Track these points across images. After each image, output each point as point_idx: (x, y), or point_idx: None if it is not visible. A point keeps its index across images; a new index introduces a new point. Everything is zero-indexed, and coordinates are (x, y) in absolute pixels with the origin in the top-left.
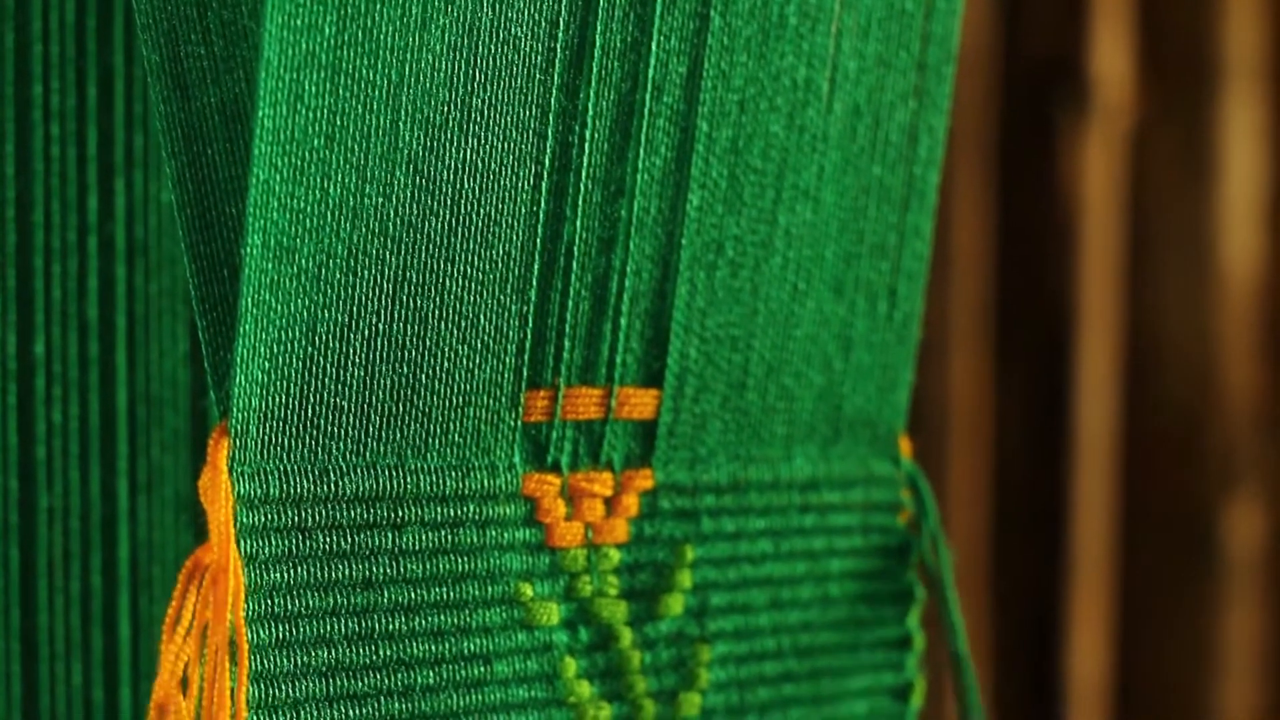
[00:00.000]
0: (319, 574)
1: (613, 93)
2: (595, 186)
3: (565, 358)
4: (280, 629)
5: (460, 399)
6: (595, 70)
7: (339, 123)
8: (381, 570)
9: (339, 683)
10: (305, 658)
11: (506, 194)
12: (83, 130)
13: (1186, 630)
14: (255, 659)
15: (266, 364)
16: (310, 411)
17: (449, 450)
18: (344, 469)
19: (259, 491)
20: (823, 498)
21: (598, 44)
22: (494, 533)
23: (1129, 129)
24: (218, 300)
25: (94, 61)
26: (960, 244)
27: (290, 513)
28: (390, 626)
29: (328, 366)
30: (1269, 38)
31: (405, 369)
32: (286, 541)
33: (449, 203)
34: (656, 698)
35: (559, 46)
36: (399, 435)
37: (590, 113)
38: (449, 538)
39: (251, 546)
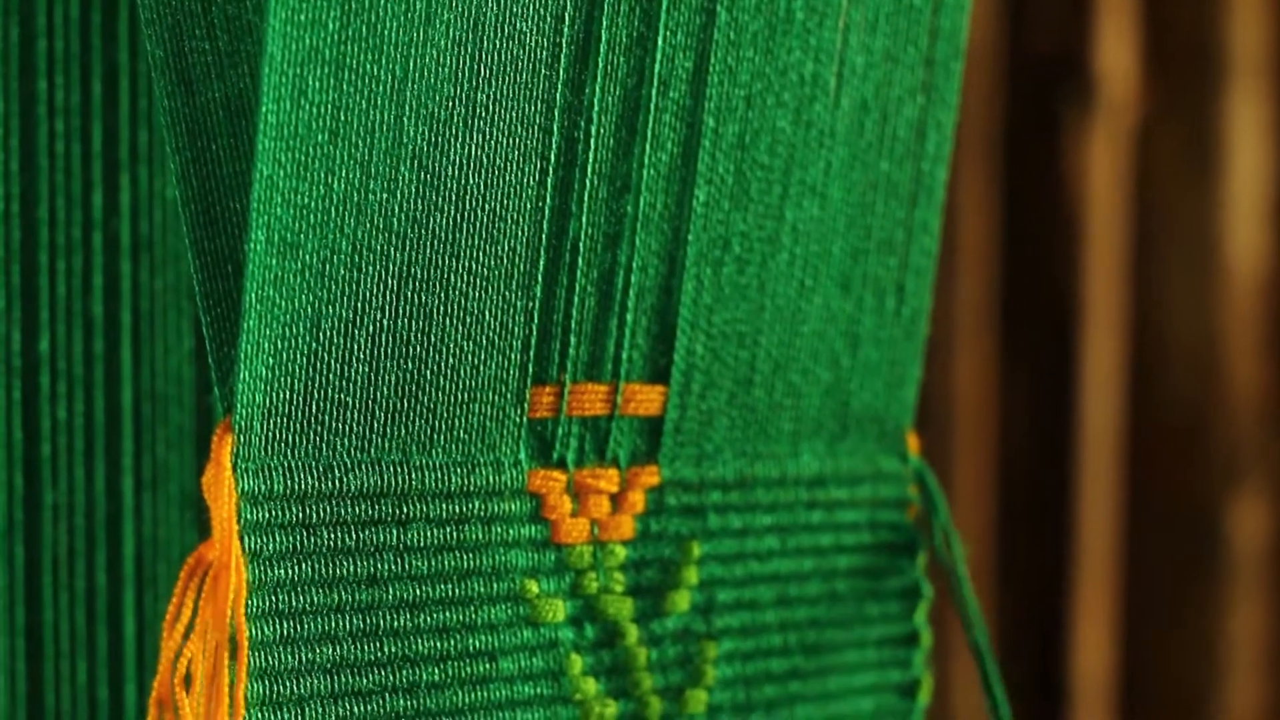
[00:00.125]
0: (323, 570)
1: (618, 88)
2: (601, 182)
3: (571, 354)
4: (284, 625)
5: (465, 395)
6: (601, 65)
7: (343, 118)
8: (386, 567)
9: (343, 679)
10: (309, 654)
11: (512, 189)
12: (87, 126)
13: (1191, 625)
14: (259, 656)
15: (270, 360)
16: (314, 407)
17: (454, 446)
18: (348, 465)
19: (263, 488)
20: (830, 494)
21: (603, 39)
22: (499, 529)
23: (1134, 125)
24: (222, 296)
25: (98, 57)
26: (965, 240)
27: (294, 509)
28: (395, 623)
29: (332, 362)
30: (1274, 34)
31: (410, 365)
32: (291, 538)
33: (454, 198)
34: (662, 695)
35: (564, 41)
36: (404, 431)
37: (596, 108)
38: (454, 534)
39: (256, 543)
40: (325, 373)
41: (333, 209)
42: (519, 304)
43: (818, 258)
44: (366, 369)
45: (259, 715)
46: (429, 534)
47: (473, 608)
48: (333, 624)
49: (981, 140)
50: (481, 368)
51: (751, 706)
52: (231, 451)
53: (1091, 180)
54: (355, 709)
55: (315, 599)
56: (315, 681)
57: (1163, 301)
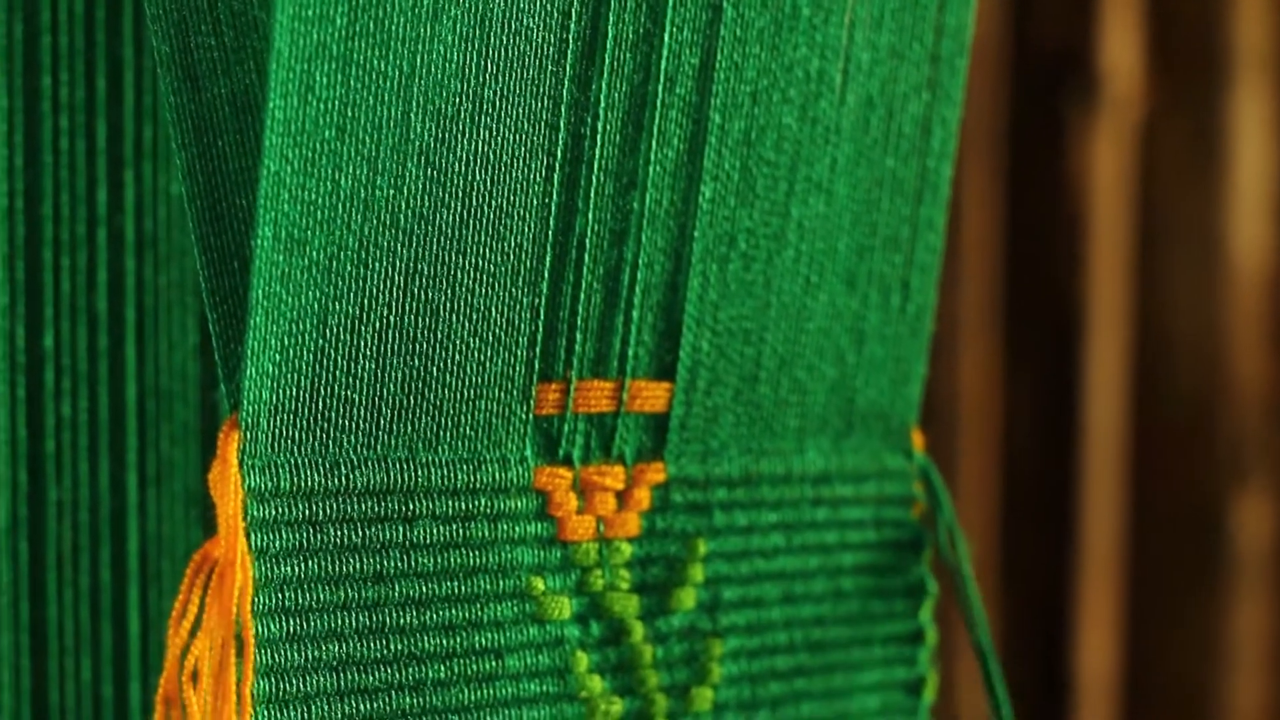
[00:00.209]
0: (329, 568)
1: (625, 84)
2: (607, 178)
3: (577, 350)
4: (290, 623)
5: (471, 392)
6: (607, 61)
7: (350, 114)
8: (392, 564)
9: (349, 677)
10: (315, 652)
11: (518, 186)
12: (92, 122)
13: (1196, 623)
14: (265, 653)
15: (277, 356)
16: (321, 404)
17: (460, 443)
18: (355, 462)
19: (269, 485)
20: (835, 491)
21: (610, 35)
22: (505, 526)
23: (1138, 122)
24: (228, 293)
25: (103, 53)
26: (969, 237)
27: (301, 506)
28: (401, 620)
29: (339, 359)
30: (1278, 30)
31: (416, 362)
32: (297, 535)
33: (460, 195)
34: (668, 692)
35: (571, 38)
36: (410, 428)
37: (602, 104)
38: (460, 531)
39: (261, 540)
40: (332, 369)
41: (340, 205)
42: (525, 300)
43: (823, 254)
44: (373, 366)
45: (265, 713)
46: (435, 531)
47: (479, 605)
48: (339, 621)
49: (985, 137)
50: (487, 364)
51: (757, 704)
52: (238, 448)
53: (1095, 177)
54: (361, 706)
55: (321, 596)
56: (321, 679)
57: (1167, 298)
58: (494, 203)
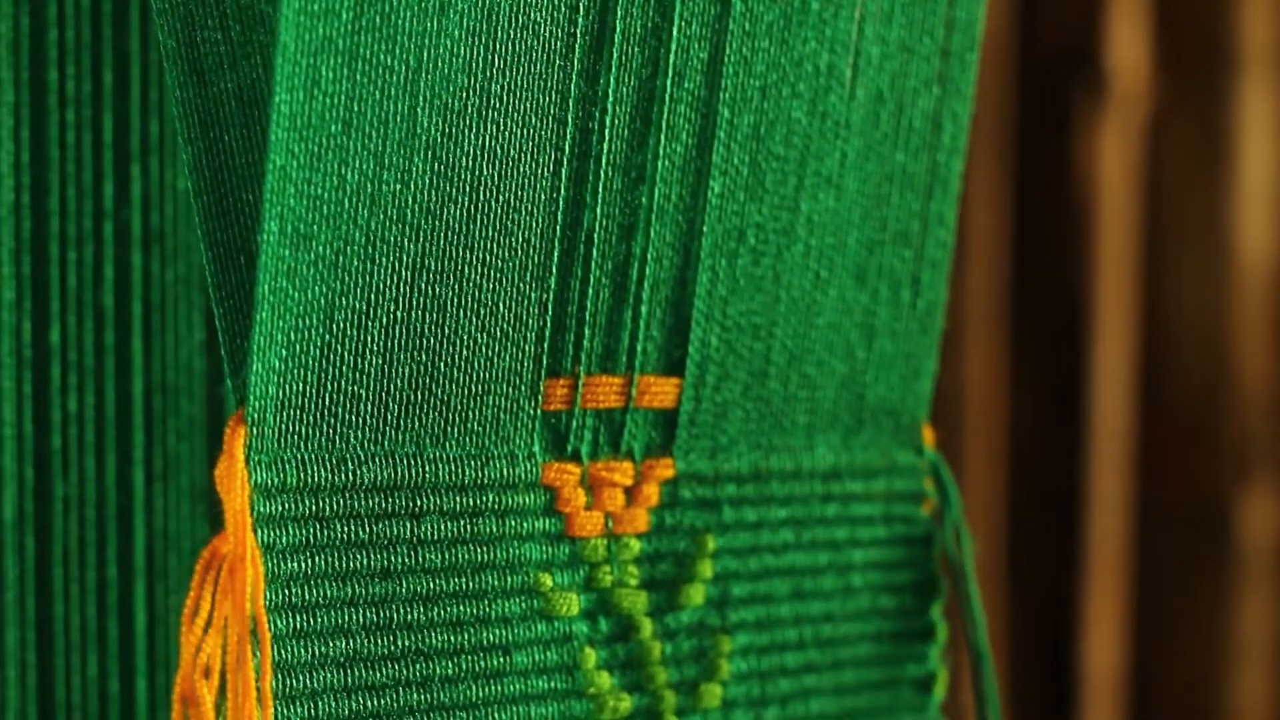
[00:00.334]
0: (337, 563)
1: (633, 78)
2: (615, 173)
3: (585, 346)
4: (297, 619)
5: (479, 387)
6: (616, 56)
7: (356, 108)
8: (400, 560)
9: (357, 673)
10: (323, 648)
11: (526, 181)
12: (98, 116)
13: (1201, 619)
14: (273, 649)
15: (284, 352)
16: (328, 399)
17: (468, 439)
18: (362, 458)
19: (276, 480)
20: (845, 487)
21: (618, 29)
22: (513, 522)
23: (1145, 118)
24: (235, 288)
25: (109, 47)
26: (976, 233)
27: (308, 502)
28: (409, 616)
29: (345, 354)
30: None
31: (424, 357)
32: (304, 531)
33: (468, 189)
34: (677, 689)
35: (579, 31)
36: (417, 424)
37: (610, 99)
38: (468, 527)
39: (268, 536)
40: (339, 365)
41: (346, 200)
42: (533, 296)
43: (833, 249)
44: (380, 361)
45: (273, 709)
46: (443, 527)
47: (486, 601)
48: (346, 617)
49: (993, 134)
50: (495, 360)
51: (766, 701)
52: (244, 444)
53: (1102, 174)
54: (368, 702)
55: (328, 592)
56: (328, 675)
57: (1173, 295)
58: (501, 198)
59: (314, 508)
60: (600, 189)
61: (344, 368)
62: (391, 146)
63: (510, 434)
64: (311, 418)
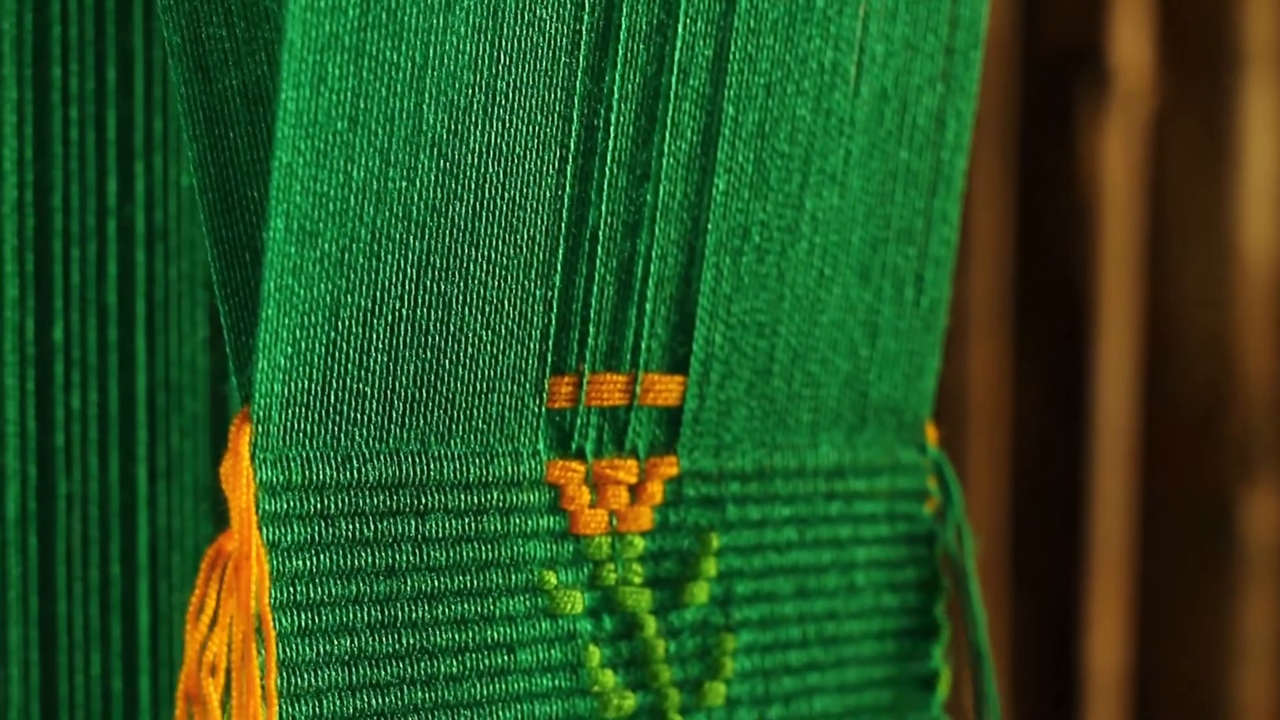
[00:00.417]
0: (341, 561)
1: (638, 76)
2: (620, 171)
3: (590, 343)
4: (302, 616)
5: (484, 385)
6: (621, 53)
7: (362, 105)
8: (404, 558)
9: (361, 671)
10: (327, 646)
11: (531, 178)
12: (102, 113)
13: (1205, 616)
14: (277, 647)
15: (289, 349)
16: (333, 397)
17: (473, 437)
18: (367, 455)
19: (281, 478)
20: (849, 485)
21: (623, 26)
22: (518, 520)
23: (1148, 116)
24: (240, 285)
25: (113, 44)
26: (980, 231)
27: (312, 499)
28: (413, 614)
29: (350, 352)
30: None
31: (429, 354)
32: (308, 528)
33: (473, 186)
34: (681, 687)
35: (584, 29)
36: (422, 421)
37: (615, 96)
38: (472, 525)
39: (273, 533)
40: (344, 362)
41: (352, 197)
42: (538, 293)
43: (837, 247)
44: (385, 358)
45: (277, 707)
46: (447, 525)
47: (491, 599)
48: (350, 615)
49: (996, 131)
50: (500, 357)
51: (770, 699)
52: (249, 441)
53: (1106, 171)
54: (373, 701)
55: (333, 590)
56: (332, 673)
57: (1176, 292)
58: (507, 195)
59: (319, 505)
60: (605, 186)
61: (349, 365)
62: (397, 143)
63: (515, 431)
64: (316, 415)
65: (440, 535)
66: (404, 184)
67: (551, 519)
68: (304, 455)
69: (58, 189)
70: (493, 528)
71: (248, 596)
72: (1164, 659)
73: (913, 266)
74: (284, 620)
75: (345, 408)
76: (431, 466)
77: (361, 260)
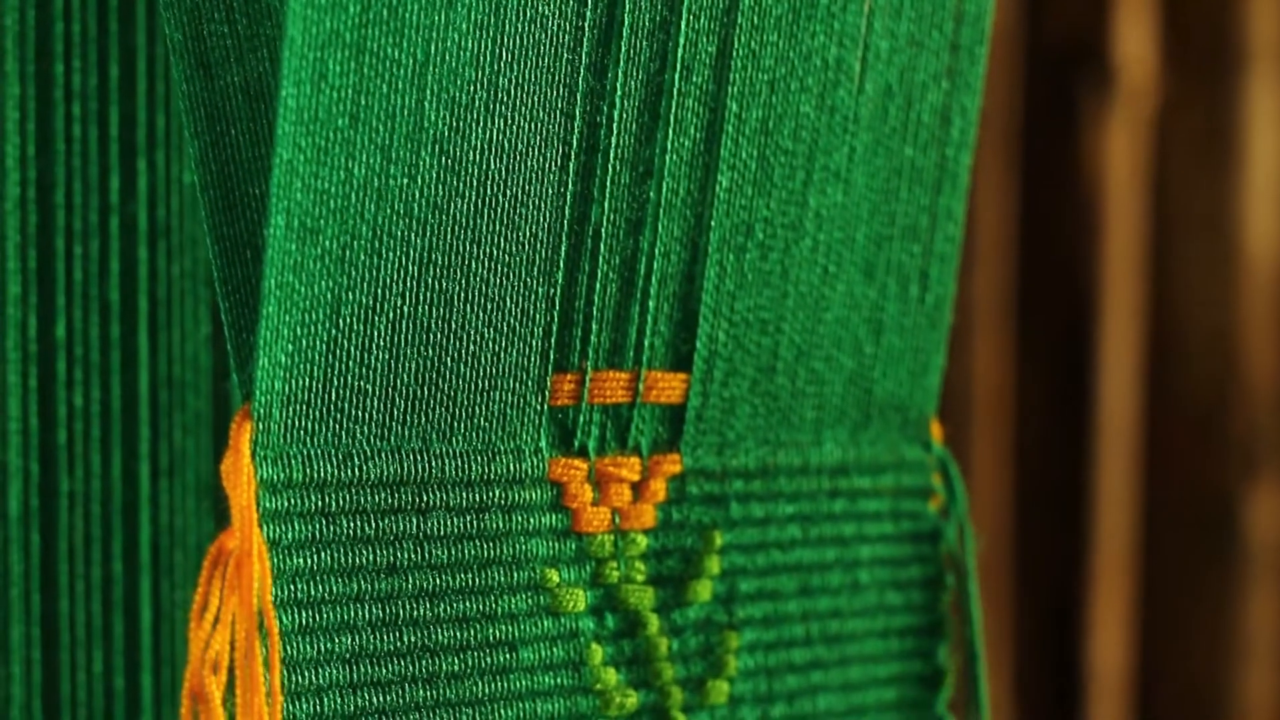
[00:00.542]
0: (342, 559)
1: (641, 72)
2: (623, 167)
3: (592, 341)
4: (303, 614)
5: (486, 382)
6: (623, 49)
7: (364, 102)
8: (406, 556)
9: (363, 668)
10: (329, 643)
11: (533, 175)
12: (104, 110)
13: (1208, 616)
14: (279, 644)
15: (290, 346)
16: (334, 395)
17: (474, 434)
18: (368, 453)
19: (282, 476)
20: (853, 483)
21: (626, 23)
22: (520, 518)
23: (1152, 113)
24: (241, 282)
25: (116, 40)
26: (983, 228)
27: (314, 497)
28: (415, 612)
29: (352, 349)
30: None
31: (430, 352)
32: (310, 526)
33: (475, 184)
34: (684, 685)
35: (587, 25)
36: (424, 419)
37: (618, 93)
38: (474, 523)
39: (275, 531)
40: (345, 359)
41: (353, 194)
42: (540, 290)
43: (841, 244)
44: (386, 356)
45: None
46: (449, 523)
47: (493, 597)
48: (352, 613)
49: (1000, 128)
50: (502, 355)
51: (773, 697)
52: (250, 439)
53: (1109, 168)
54: (374, 699)
55: (334, 588)
56: (334, 671)
57: (1180, 290)
58: (509, 192)
59: (320, 503)
60: (608, 183)
61: (350, 363)
62: (399, 140)
63: (517, 429)
64: (318, 413)
65: (442, 533)
66: (405, 181)
67: (554, 517)
68: (305, 453)
69: (60, 186)
70: (495, 526)
71: (250, 594)
72: (1167, 658)
73: (917, 263)
74: (285, 618)
75: (346, 405)
76: (433, 464)
77: (363, 257)
